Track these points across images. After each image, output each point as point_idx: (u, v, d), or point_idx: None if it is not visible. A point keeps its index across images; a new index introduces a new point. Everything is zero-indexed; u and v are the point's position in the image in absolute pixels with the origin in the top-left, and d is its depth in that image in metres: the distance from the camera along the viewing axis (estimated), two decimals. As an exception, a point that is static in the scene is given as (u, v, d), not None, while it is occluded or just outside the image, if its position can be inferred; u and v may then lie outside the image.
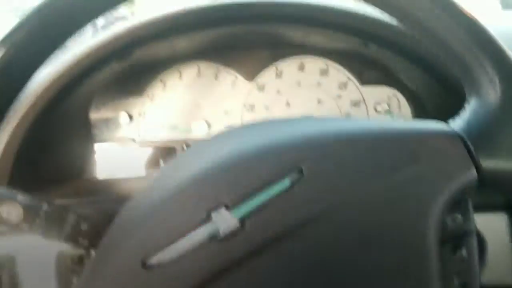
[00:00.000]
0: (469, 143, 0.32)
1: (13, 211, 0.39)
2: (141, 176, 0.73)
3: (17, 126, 0.54)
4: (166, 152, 0.73)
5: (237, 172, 0.30)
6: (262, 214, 0.28)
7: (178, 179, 0.32)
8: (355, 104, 0.71)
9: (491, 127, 0.32)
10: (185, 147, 0.71)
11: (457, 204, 0.31)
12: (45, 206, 0.41)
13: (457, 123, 0.34)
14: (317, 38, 0.64)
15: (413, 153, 0.31)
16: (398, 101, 0.70)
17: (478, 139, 0.32)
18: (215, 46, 0.70)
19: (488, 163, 0.31)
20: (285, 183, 0.29)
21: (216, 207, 0.29)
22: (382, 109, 0.70)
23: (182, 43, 0.64)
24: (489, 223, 0.40)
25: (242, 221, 0.28)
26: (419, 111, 0.70)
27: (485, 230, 0.40)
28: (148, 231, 0.30)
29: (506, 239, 0.40)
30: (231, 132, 0.37)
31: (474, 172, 0.31)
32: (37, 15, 0.33)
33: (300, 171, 0.30)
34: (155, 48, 0.60)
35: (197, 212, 0.29)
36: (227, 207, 0.29)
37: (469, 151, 0.31)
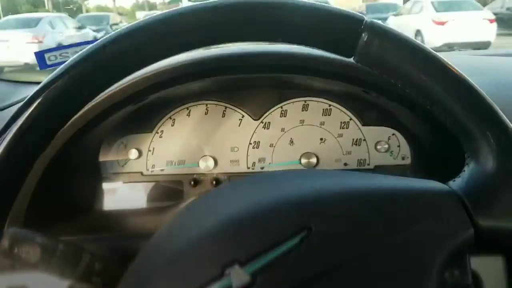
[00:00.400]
0: (467, 203, 0.34)
1: (31, 252, 0.42)
2: (144, 208, 0.75)
3: (38, 163, 0.57)
4: (172, 186, 0.76)
5: (250, 229, 0.33)
6: (273, 270, 0.31)
7: (193, 231, 0.34)
8: (357, 142, 0.74)
9: (488, 190, 0.34)
10: (192, 183, 0.74)
11: (455, 259, 0.33)
12: (61, 246, 0.43)
13: (457, 184, 0.36)
14: (320, 82, 0.68)
15: (414, 213, 0.34)
16: (398, 140, 0.73)
17: (476, 200, 0.34)
18: (223, 86, 0.73)
19: (485, 223, 0.33)
20: (295, 240, 0.32)
21: (230, 263, 0.31)
22: (383, 148, 0.73)
23: (192, 86, 0.68)
24: (485, 266, 0.42)
25: (254, 277, 0.30)
26: (418, 151, 0.72)
27: (481, 273, 0.42)
28: (163, 285, 0.32)
29: (502, 283, 0.42)
30: (245, 183, 0.39)
31: (472, 230, 0.33)
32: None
33: (309, 229, 0.32)
34: (167, 91, 0.63)
35: (211, 267, 0.31)
36: (241, 264, 0.31)
37: (467, 211, 0.34)
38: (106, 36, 0.38)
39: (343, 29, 0.39)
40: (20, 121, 0.35)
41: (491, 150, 0.35)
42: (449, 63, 0.38)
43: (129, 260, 0.48)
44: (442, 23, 8.23)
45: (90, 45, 0.38)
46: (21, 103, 0.35)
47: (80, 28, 11.09)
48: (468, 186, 0.35)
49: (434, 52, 0.38)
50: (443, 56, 0.37)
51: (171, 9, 0.39)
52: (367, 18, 0.39)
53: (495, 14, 8.99)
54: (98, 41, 0.38)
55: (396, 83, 0.40)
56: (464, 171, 0.37)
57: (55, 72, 0.37)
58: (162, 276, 0.32)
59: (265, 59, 0.58)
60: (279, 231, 0.32)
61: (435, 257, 0.32)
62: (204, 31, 0.38)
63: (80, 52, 0.38)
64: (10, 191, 0.36)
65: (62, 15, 12.04)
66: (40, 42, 8.86)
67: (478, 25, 8.22)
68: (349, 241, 0.32)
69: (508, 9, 11.44)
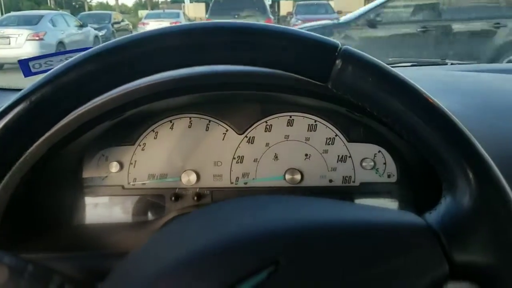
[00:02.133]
0: (443, 238, 0.33)
1: None
2: (127, 222, 0.74)
3: (9, 180, 0.55)
4: (153, 200, 0.74)
5: (217, 263, 0.31)
6: None
7: (159, 262, 0.33)
8: (342, 159, 0.72)
9: (464, 224, 0.34)
10: (172, 198, 0.72)
11: None
12: (30, 267, 0.42)
13: (433, 217, 0.35)
14: (306, 99, 0.66)
15: (389, 248, 0.33)
16: (384, 158, 0.72)
17: (451, 235, 0.33)
18: (207, 100, 0.72)
19: (460, 258, 0.33)
20: (261, 275, 0.31)
21: None
22: (368, 165, 0.71)
23: (176, 99, 0.66)
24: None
25: None
26: (404, 169, 0.71)
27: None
28: None
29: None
30: (213, 210, 0.38)
31: (447, 266, 0.32)
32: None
33: (277, 263, 0.31)
34: (148, 105, 0.62)
35: None
36: None
37: (442, 247, 0.33)
38: (77, 57, 0.37)
39: (318, 56, 0.38)
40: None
41: (467, 184, 0.34)
42: (424, 91, 0.37)
43: (103, 280, 0.47)
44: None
45: (69, 60, 0.37)
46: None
47: (81, 26, 11.09)
48: (444, 221, 0.34)
49: (408, 79, 0.37)
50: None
51: (145, 31, 0.38)
52: (341, 44, 0.38)
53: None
54: (70, 60, 0.37)
55: (371, 110, 0.39)
56: (440, 203, 0.36)
57: (21, 93, 0.36)
58: None
59: (248, 78, 0.57)
60: (246, 265, 0.31)
61: None
62: (178, 54, 0.37)
63: (45, 75, 0.38)
64: None
65: (64, 12, 12.04)
66: (41, 39, 8.86)
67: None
68: (319, 278, 0.31)
69: None
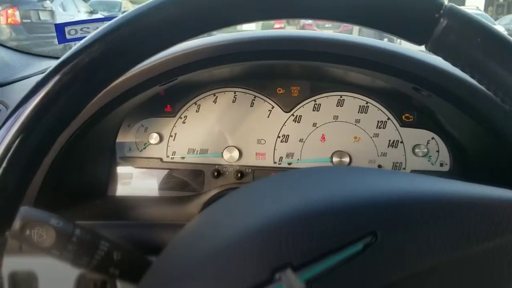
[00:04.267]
0: None
1: (45, 235, 0.37)
2: (161, 196, 0.71)
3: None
4: (193, 176, 0.71)
5: (307, 230, 0.28)
6: (330, 279, 0.26)
7: (238, 227, 0.29)
8: (393, 144, 0.69)
9: None
10: (215, 174, 0.69)
11: None
12: (78, 231, 0.39)
13: None
14: (358, 76, 0.63)
15: (493, 225, 0.29)
16: (437, 145, 0.68)
17: None
18: (253, 74, 0.69)
19: None
20: (357, 247, 0.27)
21: (281, 267, 0.26)
22: (421, 152, 0.68)
23: (221, 70, 0.63)
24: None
25: (309, 285, 0.26)
26: (459, 158, 0.68)
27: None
28: (203, 283, 0.27)
29: None
30: (299, 175, 0.35)
31: None
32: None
33: (374, 235, 0.27)
34: (194, 75, 0.58)
35: (260, 270, 0.26)
36: (294, 268, 0.26)
37: None
38: (139, 7, 0.33)
39: (420, 13, 0.34)
40: (46, 90, 0.30)
41: None
42: None
43: (145, 251, 0.44)
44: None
45: (125, 13, 0.33)
46: (44, 74, 0.30)
47: (91, 12, 11.04)
48: None
49: None
50: None
51: None
52: (446, 1, 0.35)
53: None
54: (132, 10, 0.33)
55: (473, 76, 0.35)
56: None
57: (86, 39, 0.33)
58: (198, 276, 0.28)
59: (304, 44, 0.53)
60: (339, 235, 0.27)
61: None
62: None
63: (115, 19, 0.34)
64: (31, 166, 0.31)
65: (75, -2, 11.98)
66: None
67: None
68: (418, 252, 0.28)
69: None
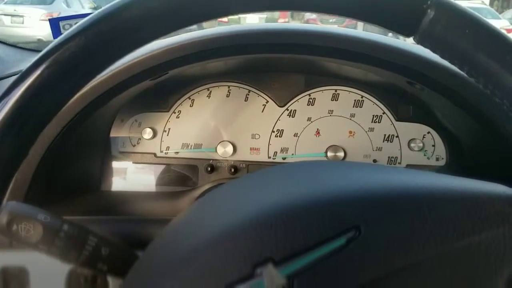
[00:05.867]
0: None
1: (32, 230, 0.37)
2: (154, 192, 0.70)
3: (41, 139, 0.52)
4: (187, 171, 0.71)
5: (289, 224, 0.27)
6: (312, 274, 0.26)
7: (220, 222, 0.29)
8: (388, 139, 0.68)
9: None
10: (208, 169, 0.69)
11: None
12: (65, 226, 0.38)
13: None
14: (353, 70, 0.62)
15: (480, 219, 0.29)
16: (433, 139, 0.68)
17: None
18: (247, 68, 0.68)
19: None
20: (340, 241, 0.27)
21: (263, 262, 0.26)
22: (416, 147, 0.67)
23: (215, 65, 0.63)
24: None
25: (290, 280, 0.25)
26: (455, 152, 0.67)
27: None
28: (186, 279, 0.27)
29: None
30: (282, 171, 0.34)
31: None
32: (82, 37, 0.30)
33: (358, 229, 0.27)
34: (188, 69, 0.58)
35: (242, 265, 0.26)
36: (275, 263, 0.26)
37: None
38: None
39: (407, 4, 0.34)
40: (28, 81, 0.29)
41: None
42: None
43: (136, 247, 0.44)
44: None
45: (106, 6, 0.33)
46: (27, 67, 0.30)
47: (95, 8, 11.05)
48: None
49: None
50: None
51: None
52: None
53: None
54: (112, 4, 0.33)
55: (462, 68, 0.34)
56: None
57: (69, 31, 0.32)
58: (181, 272, 0.27)
59: (296, 38, 0.53)
60: (322, 229, 0.27)
61: (501, 267, 0.28)
62: None
63: (98, 11, 0.33)
64: (12, 160, 0.31)
65: (78, -6, 11.99)
66: (54, 20, 8.82)
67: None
68: (403, 247, 0.27)
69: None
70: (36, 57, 0.30)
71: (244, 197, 0.32)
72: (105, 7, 0.32)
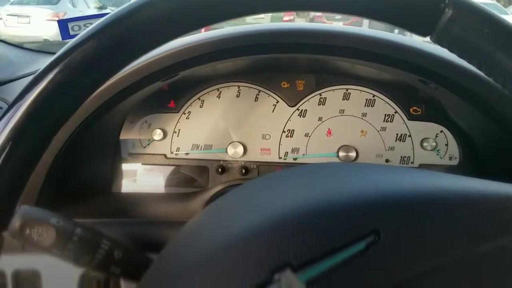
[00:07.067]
0: None
1: (45, 234, 0.37)
2: (165, 193, 0.70)
3: (53, 142, 0.52)
4: (197, 172, 0.70)
5: (307, 229, 0.27)
6: (331, 279, 0.25)
7: (238, 225, 0.28)
8: (401, 138, 0.67)
9: None
10: (219, 170, 0.68)
11: None
12: (78, 230, 0.38)
13: None
14: (365, 69, 0.61)
15: (502, 223, 0.28)
16: (446, 138, 0.67)
17: None
18: (258, 68, 0.67)
19: None
20: (359, 246, 0.26)
21: (281, 267, 0.26)
22: (429, 146, 0.67)
23: (224, 65, 0.62)
24: None
25: (309, 286, 0.25)
26: (469, 152, 0.66)
27: None
28: (202, 283, 0.26)
29: None
30: (300, 173, 0.34)
31: None
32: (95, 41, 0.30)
33: (377, 234, 0.26)
34: (197, 69, 0.57)
35: (259, 270, 0.26)
36: (293, 269, 0.26)
37: None
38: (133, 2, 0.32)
39: (424, 3, 0.33)
40: (41, 86, 0.29)
41: None
42: None
43: (148, 249, 0.43)
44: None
45: (118, 9, 0.32)
46: (40, 70, 0.30)
47: (101, 8, 11.08)
48: None
49: None
50: None
51: None
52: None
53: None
54: (126, 5, 0.32)
55: (479, 67, 0.34)
56: None
57: (81, 34, 0.32)
58: (198, 276, 0.27)
59: (310, 38, 0.52)
60: (341, 234, 0.26)
61: None
62: None
63: (109, 14, 0.33)
64: (27, 163, 0.31)
65: (84, -6, 12.02)
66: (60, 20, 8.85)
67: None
68: (423, 252, 0.26)
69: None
70: (50, 59, 0.29)
71: (261, 200, 0.31)
72: (119, 9, 0.32)
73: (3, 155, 0.28)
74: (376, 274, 0.26)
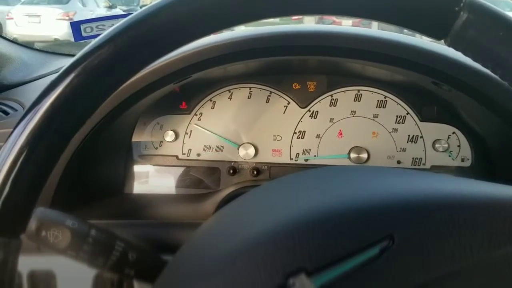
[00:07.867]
0: None
1: (61, 236, 0.38)
2: (176, 194, 0.71)
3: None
4: (209, 173, 0.71)
5: (322, 233, 0.27)
6: (346, 284, 0.25)
7: (252, 230, 0.29)
8: (413, 139, 0.67)
9: None
10: (230, 171, 0.68)
11: None
12: (93, 232, 0.39)
13: None
14: (376, 70, 0.61)
15: None
16: (459, 140, 0.66)
17: None
18: (269, 69, 0.67)
19: None
20: (373, 251, 0.26)
21: (295, 272, 0.26)
22: (441, 147, 0.66)
23: (236, 67, 0.62)
24: None
25: None
26: (481, 153, 0.65)
27: None
28: (217, 286, 0.27)
29: None
30: (313, 176, 0.34)
31: None
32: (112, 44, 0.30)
33: (391, 238, 0.26)
34: (209, 71, 0.58)
35: (273, 274, 0.26)
36: (308, 273, 0.26)
37: None
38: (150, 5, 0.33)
39: (439, 6, 0.33)
40: (59, 90, 0.29)
41: None
42: None
43: (162, 250, 0.44)
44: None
45: (134, 13, 0.33)
46: (57, 73, 0.30)
47: (110, 7, 11.13)
48: None
49: None
50: None
51: None
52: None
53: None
54: (142, 10, 0.33)
55: (494, 71, 0.33)
56: None
57: (98, 39, 0.32)
58: (213, 279, 0.27)
59: (322, 40, 0.52)
60: (355, 238, 0.26)
61: None
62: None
63: (126, 19, 0.33)
64: (44, 167, 0.31)
65: (93, -7, 12.09)
66: (70, 19, 8.90)
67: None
68: (437, 257, 0.26)
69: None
70: (69, 62, 0.30)
71: (275, 204, 0.32)
72: (136, 12, 0.32)
73: (21, 159, 0.28)
74: (390, 279, 0.26)
